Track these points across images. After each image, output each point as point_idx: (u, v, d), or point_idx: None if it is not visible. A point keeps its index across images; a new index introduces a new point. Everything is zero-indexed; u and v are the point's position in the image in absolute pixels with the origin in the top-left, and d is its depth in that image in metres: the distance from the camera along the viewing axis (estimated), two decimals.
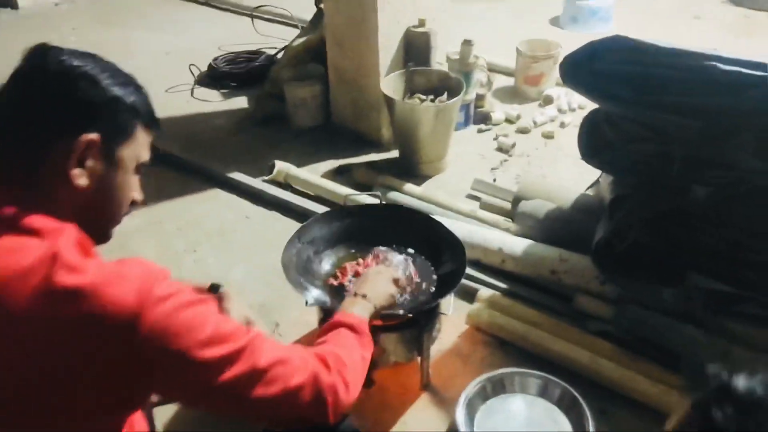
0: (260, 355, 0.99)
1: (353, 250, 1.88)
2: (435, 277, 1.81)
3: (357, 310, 1.34)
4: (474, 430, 1.64)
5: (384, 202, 1.97)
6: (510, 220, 2.44)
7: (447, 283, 1.75)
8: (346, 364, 1.12)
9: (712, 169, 1.71)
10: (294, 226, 2.51)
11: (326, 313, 1.68)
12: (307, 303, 1.60)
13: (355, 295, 1.42)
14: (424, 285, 1.77)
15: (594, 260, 1.91)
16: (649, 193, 1.83)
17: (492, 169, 2.84)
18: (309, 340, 1.94)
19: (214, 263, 2.34)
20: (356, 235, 1.92)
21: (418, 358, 1.78)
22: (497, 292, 2.10)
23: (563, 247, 2.11)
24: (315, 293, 1.70)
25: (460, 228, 2.22)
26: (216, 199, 2.72)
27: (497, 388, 1.76)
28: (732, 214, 1.68)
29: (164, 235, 2.50)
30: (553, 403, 1.71)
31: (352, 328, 1.25)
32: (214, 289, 1.37)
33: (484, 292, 2.08)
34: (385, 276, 1.51)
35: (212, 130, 3.26)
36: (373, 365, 1.65)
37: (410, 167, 2.80)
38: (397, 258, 1.73)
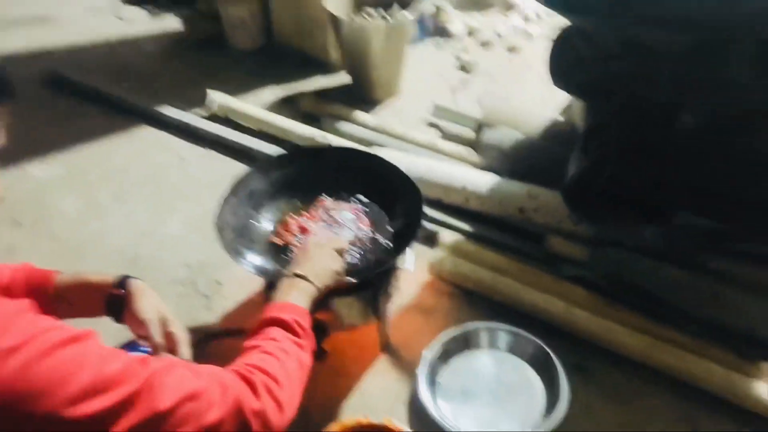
0: (161, 395, 0.77)
1: (298, 202, 1.65)
2: (390, 228, 1.59)
3: (294, 298, 1.13)
4: (437, 393, 1.49)
5: (329, 145, 1.71)
6: (475, 150, 2.22)
7: (404, 236, 1.53)
8: (278, 379, 0.92)
9: (703, 91, 1.48)
10: (236, 167, 2.27)
11: (270, 282, 1.47)
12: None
13: (294, 276, 1.20)
14: (378, 239, 1.56)
15: (565, 199, 1.71)
16: (629, 121, 1.61)
17: (452, 90, 2.58)
18: (255, 301, 1.75)
19: (146, 216, 2.08)
20: (300, 184, 1.67)
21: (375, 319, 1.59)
22: (461, 236, 1.91)
23: (533, 182, 1.91)
24: (255, 260, 1.48)
25: (417, 164, 2.00)
26: (146, 139, 2.42)
27: (462, 345, 1.59)
28: (724, 144, 1.48)
29: (87, 185, 2.21)
30: (525, 360, 1.56)
31: (287, 326, 1.04)
32: (119, 285, 1.14)
33: (447, 237, 1.88)
34: (327, 249, 1.29)
35: (140, 57, 2.90)
36: (324, 332, 1.48)
37: (362, 92, 2.52)
38: (344, 212, 1.50)
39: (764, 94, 1.44)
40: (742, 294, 1.56)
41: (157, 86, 2.69)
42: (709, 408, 1.50)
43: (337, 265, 1.28)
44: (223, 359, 0.96)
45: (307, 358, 1.04)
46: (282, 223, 1.61)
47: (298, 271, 1.21)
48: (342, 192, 1.65)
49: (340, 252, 1.31)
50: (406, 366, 1.62)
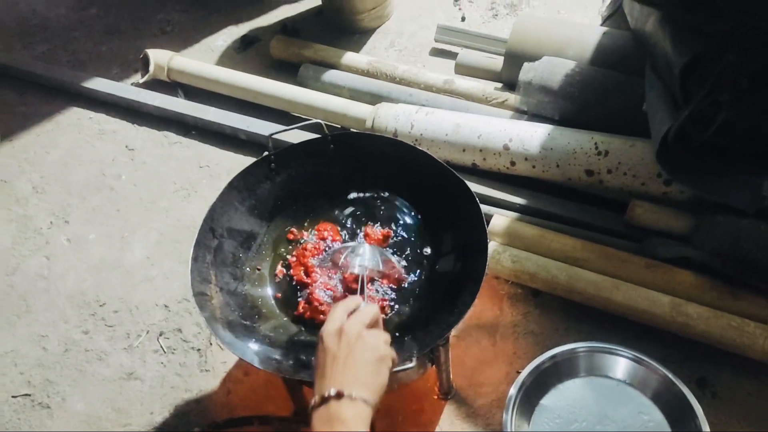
0: None
1: (295, 226, 1.19)
2: (437, 264, 1.15)
3: None
4: None
5: (327, 132, 1.22)
6: (501, 86, 1.71)
7: (463, 277, 1.10)
8: None
9: None
10: (203, 149, 1.75)
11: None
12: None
13: (327, 399, 0.76)
14: (412, 277, 1.12)
15: (660, 158, 1.26)
16: (748, 49, 1.13)
17: (455, 0, 2.02)
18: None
19: (99, 239, 1.60)
20: (298, 196, 1.22)
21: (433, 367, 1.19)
22: (514, 215, 1.46)
23: (600, 129, 1.44)
24: (264, 349, 1.03)
25: (439, 122, 1.51)
26: (79, 126, 1.87)
27: (552, 377, 1.21)
28: None
29: (16, 201, 1.70)
30: (636, 388, 1.18)
31: None
32: None
33: (498, 221, 1.44)
34: (371, 355, 0.82)
35: (48, 8, 2.26)
36: None
37: (341, 20, 1.96)
38: (363, 262, 1.04)
39: None
40: None
41: (75, 47, 2.09)
42: None
43: (385, 371, 0.83)
44: None
45: None
46: (288, 258, 1.16)
47: (334, 389, 0.76)
48: (353, 210, 1.21)
49: (388, 359, 0.84)
50: (479, 410, 1.24)
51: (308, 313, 1.08)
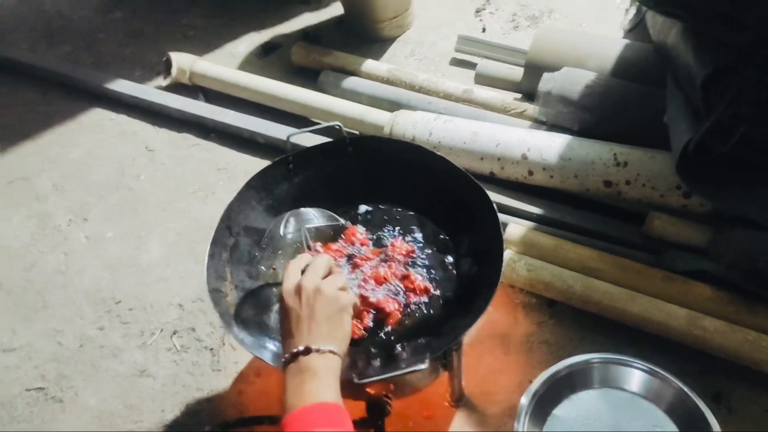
0: None
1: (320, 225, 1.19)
2: (453, 270, 1.14)
3: (313, 392, 0.77)
4: None
5: (346, 135, 1.22)
6: (521, 97, 1.72)
7: (478, 282, 1.09)
8: None
9: None
10: (221, 151, 1.76)
11: None
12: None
13: (296, 355, 0.80)
14: (438, 291, 1.11)
15: (680, 170, 1.25)
16: None
17: (477, 11, 2.03)
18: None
19: (116, 238, 1.61)
20: (316, 197, 1.22)
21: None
22: (531, 224, 1.46)
23: (618, 140, 1.43)
24: (273, 349, 1.04)
25: (458, 130, 1.52)
26: (100, 126, 1.89)
27: (565, 388, 1.20)
28: None
29: (36, 198, 1.73)
30: (651, 401, 1.17)
31: None
32: None
33: (514, 230, 1.43)
34: (331, 307, 0.85)
35: (73, 9, 2.30)
36: (383, 412, 1.08)
37: (362, 28, 1.98)
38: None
39: None
40: None
41: (99, 48, 2.12)
42: None
43: (348, 322, 0.87)
44: None
45: None
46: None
47: (302, 345, 0.81)
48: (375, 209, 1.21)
49: (353, 306, 0.90)
50: (490, 419, 1.23)
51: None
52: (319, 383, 0.78)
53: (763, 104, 1.16)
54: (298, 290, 0.85)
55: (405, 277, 1.09)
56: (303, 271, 0.88)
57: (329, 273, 0.89)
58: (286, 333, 0.84)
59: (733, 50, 1.18)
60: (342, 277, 0.91)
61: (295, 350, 0.80)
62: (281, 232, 1.16)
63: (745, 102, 1.16)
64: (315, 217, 1.18)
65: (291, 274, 0.87)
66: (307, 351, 0.80)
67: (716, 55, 1.20)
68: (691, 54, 1.25)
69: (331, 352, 0.81)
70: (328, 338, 0.82)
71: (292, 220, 1.17)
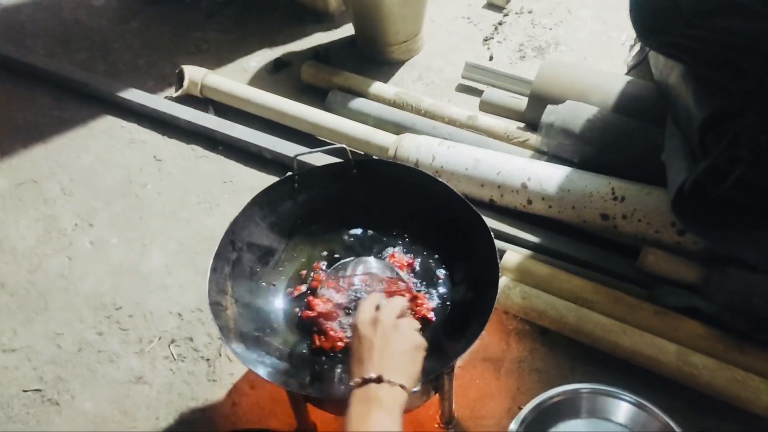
0: None
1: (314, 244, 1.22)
2: (444, 291, 1.17)
3: (380, 423, 0.77)
4: None
5: (351, 158, 1.25)
6: (524, 126, 1.75)
7: (472, 310, 1.12)
8: None
9: None
10: (227, 164, 1.80)
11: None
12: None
13: (367, 381, 0.82)
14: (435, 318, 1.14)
15: (675, 209, 1.28)
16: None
17: (485, 39, 2.07)
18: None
19: (120, 246, 1.64)
20: (318, 216, 1.25)
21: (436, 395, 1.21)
22: (527, 252, 1.48)
23: (617, 174, 1.47)
24: (270, 364, 1.06)
25: (460, 156, 1.55)
26: (110, 133, 1.93)
27: (553, 416, 1.22)
28: None
29: (44, 201, 1.76)
30: None
31: None
32: None
33: (510, 257, 1.46)
34: (407, 344, 0.88)
35: (90, 18, 2.35)
36: None
37: (372, 50, 2.02)
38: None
39: None
40: None
41: (114, 58, 2.16)
42: None
43: (420, 360, 0.89)
44: None
45: None
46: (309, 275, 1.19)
47: (374, 373, 0.82)
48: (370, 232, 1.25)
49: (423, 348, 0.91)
50: None
51: (326, 344, 1.10)
52: (386, 414, 0.79)
53: (760, 150, 1.19)
54: (374, 322, 0.88)
55: (413, 299, 1.12)
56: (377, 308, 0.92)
57: (402, 315, 0.93)
58: (357, 359, 0.86)
59: (732, 95, 1.22)
60: (416, 322, 0.95)
61: (367, 376, 0.81)
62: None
63: (742, 146, 1.19)
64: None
65: (366, 309, 0.91)
66: (379, 380, 0.81)
67: (715, 99, 1.23)
68: (691, 96, 1.29)
69: (401, 386, 0.82)
70: (400, 372, 0.83)
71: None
